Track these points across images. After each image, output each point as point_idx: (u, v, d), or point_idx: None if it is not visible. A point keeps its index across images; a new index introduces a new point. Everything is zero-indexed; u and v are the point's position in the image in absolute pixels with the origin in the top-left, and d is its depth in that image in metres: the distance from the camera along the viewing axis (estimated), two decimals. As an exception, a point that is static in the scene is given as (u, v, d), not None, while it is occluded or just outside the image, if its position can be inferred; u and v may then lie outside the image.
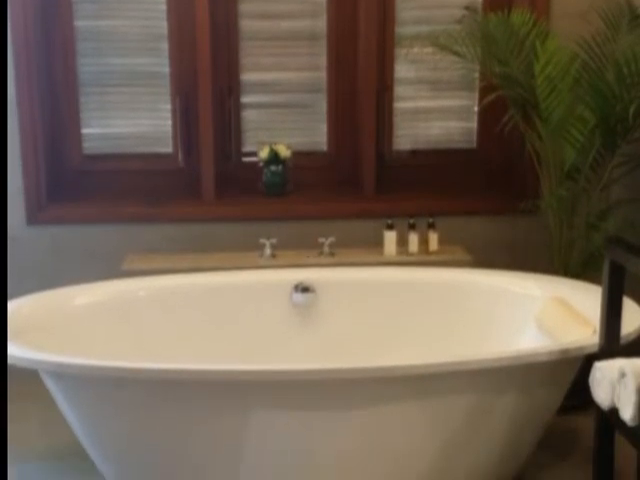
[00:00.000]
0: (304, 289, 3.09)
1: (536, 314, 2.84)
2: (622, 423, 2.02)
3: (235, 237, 3.54)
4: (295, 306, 3.10)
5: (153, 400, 2.36)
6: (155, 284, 3.06)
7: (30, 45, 3.40)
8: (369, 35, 3.57)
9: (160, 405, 2.36)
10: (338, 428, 2.38)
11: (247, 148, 3.71)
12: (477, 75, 3.63)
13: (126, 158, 3.67)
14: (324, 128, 3.74)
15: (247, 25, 3.61)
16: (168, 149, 3.68)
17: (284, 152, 3.56)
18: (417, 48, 3.38)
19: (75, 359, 2.35)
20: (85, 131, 3.63)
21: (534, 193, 3.52)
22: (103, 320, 2.88)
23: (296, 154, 3.62)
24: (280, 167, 3.59)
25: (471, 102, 3.75)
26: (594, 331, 2.50)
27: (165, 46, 3.58)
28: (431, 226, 3.39)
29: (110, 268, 3.28)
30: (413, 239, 3.37)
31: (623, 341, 2.31)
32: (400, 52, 3.58)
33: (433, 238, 3.39)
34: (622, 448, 2.23)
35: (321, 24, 3.64)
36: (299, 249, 3.44)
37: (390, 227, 3.38)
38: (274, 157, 3.55)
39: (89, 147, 3.65)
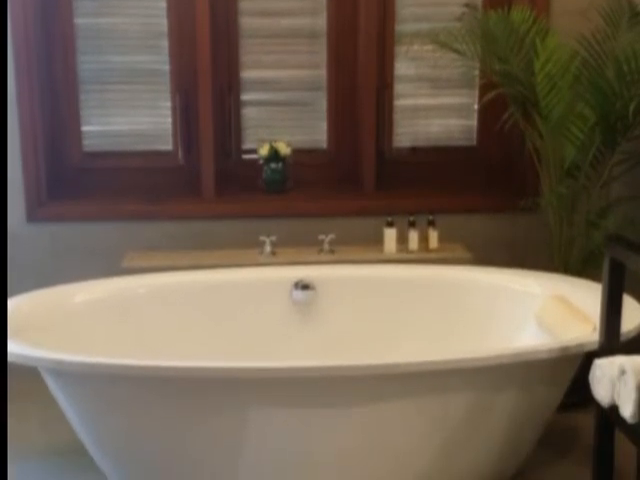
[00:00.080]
0: (304, 286, 3.09)
1: (536, 312, 2.84)
2: (622, 420, 2.03)
3: (235, 234, 3.54)
4: (295, 303, 3.10)
5: (153, 397, 2.36)
6: (155, 281, 3.06)
7: (30, 42, 3.40)
8: (369, 32, 3.57)
9: (160, 402, 2.36)
10: (338, 425, 2.38)
11: (247, 145, 3.71)
12: (477, 73, 3.63)
13: (126, 155, 3.67)
14: (324, 125, 3.74)
15: (247, 22, 3.61)
16: (168, 146, 3.67)
17: (284, 149, 3.56)
18: (417, 45, 3.39)
19: (75, 357, 2.35)
20: (85, 128, 3.63)
21: (534, 191, 3.52)
22: (103, 318, 2.88)
23: (296, 151, 3.62)
24: (280, 164, 3.59)
25: (471, 100, 3.75)
26: (594, 328, 2.50)
27: (165, 44, 3.58)
28: (431, 224, 3.39)
29: (110, 265, 3.29)
30: (413, 237, 3.37)
31: (623, 338, 2.31)
32: (400, 49, 3.59)
33: (433, 236, 3.38)
34: (622, 445, 2.24)
35: (321, 22, 3.64)
36: (299, 246, 3.44)
37: (390, 224, 3.38)
38: (274, 154, 3.55)
39: (89, 144, 3.65)
